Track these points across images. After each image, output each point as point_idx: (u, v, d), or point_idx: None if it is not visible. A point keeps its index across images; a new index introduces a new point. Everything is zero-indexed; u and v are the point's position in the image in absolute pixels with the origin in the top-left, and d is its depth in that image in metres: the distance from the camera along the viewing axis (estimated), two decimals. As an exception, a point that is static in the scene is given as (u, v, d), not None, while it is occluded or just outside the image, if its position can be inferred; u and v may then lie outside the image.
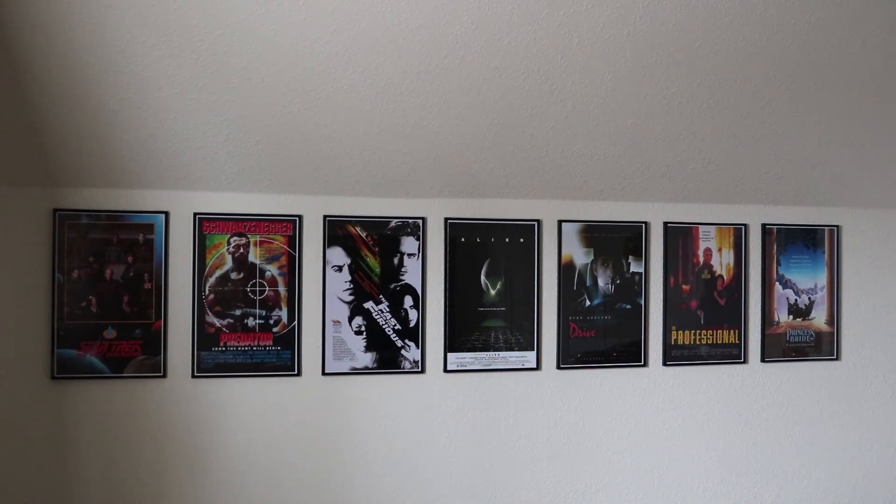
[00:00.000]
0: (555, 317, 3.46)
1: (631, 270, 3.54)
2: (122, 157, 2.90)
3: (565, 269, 3.46)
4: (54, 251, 3.04)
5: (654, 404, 3.60)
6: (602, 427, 3.54)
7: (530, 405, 3.45)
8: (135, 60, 2.51)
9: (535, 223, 3.44)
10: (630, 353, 3.54)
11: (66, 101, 2.59)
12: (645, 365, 3.58)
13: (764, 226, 3.70)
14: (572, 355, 3.46)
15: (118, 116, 2.70)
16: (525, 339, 3.41)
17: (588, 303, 3.47)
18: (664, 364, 3.60)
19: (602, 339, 3.50)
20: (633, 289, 3.54)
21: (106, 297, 3.08)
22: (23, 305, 3.01)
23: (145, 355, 3.11)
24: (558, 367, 3.46)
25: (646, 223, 3.57)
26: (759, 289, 3.70)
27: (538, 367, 3.44)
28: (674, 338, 3.58)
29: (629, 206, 3.55)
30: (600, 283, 3.49)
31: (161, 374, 3.13)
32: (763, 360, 3.70)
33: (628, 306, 3.54)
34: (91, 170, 2.94)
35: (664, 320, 3.58)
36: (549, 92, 2.76)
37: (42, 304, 3.05)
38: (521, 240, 3.39)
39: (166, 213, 3.13)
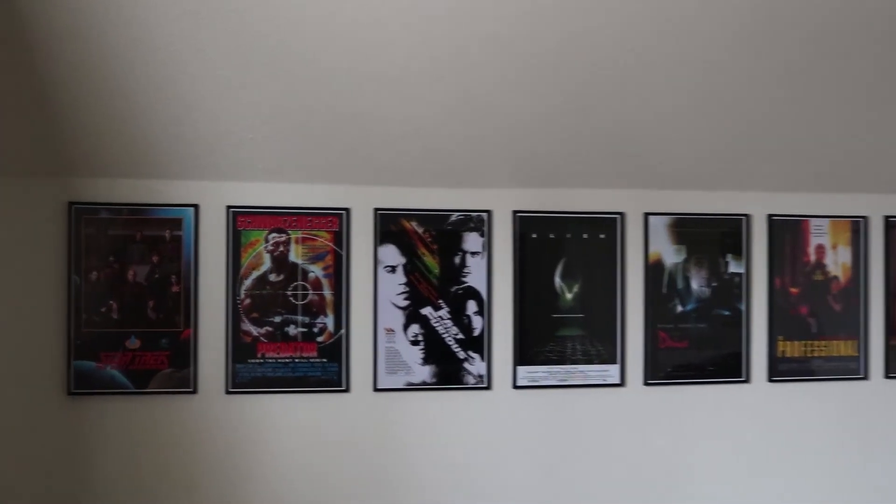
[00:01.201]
0: (641, 325, 3.26)
1: (729, 271, 3.32)
2: (145, 143, 2.76)
3: (653, 270, 3.27)
4: (70, 250, 2.90)
5: (758, 427, 3.37)
6: (696, 453, 3.32)
7: (613, 427, 3.25)
8: (158, 34, 2.35)
9: (618, 216, 3.25)
10: (729, 367, 3.32)
11: (81, 81, 2.47)
12: (746, 381, 3.35)
13: (887, 218, 3.46)
14: (661, 369, 3.26)
15: (140, 97, 2.56)
16: (606, 350, 3.22)
17: (679, 308, 3.27)
18: (769, 380, 3.37)
19: (696, 351, 3.28)
20: (731, 292, 3.31)
21: (128, 301, 2.93)
22: (35, 312, 2.89)
23: (173, 368, 2.96)
24: (645, 383, 3.27)
25: (747, 216, 3.35)
26: (882, 292, 3.45)
27: (622, 383, 3.25)
28: (780, 349, 3.37)
29: (727, 197, 3.32)
30: (694, 285, 3.28)
31: (191, 389, 2.97)
32: (887, 376, 3.44)
33: (726, 312, 3.31)
34: (111, 158, 2.82)
35: (769, 329, 3.36)
36: (636, 64, 2.55)
37: (56, 309, 2.91)
38: (602, 236, 3.22)
39: (196, 207, 2.98)
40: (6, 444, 2.89)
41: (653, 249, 3.27)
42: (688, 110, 2.79)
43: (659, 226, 3.27)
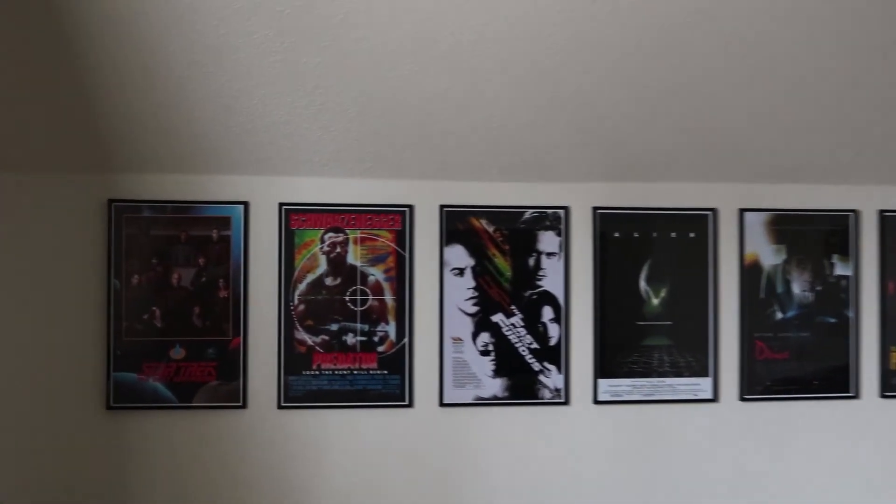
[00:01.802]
0: (736, 333, 3.12)
1: (835, 273, 3.17)
2: (190, 135, 2.69)
3: (749, 272, 3.12)
4: (110, 251, 2.84)
5: (868, 448, 3.20)
6: (798, 476, 3.16)
7: (705, 447, 3.11)
8: (205, 16, 2.27)
9: (710, 213, 3.10)
10: (835, 381, 3.16)
11: (122, 69, 2.40)
12: (856, 396, 3.18)
13: None
14: (759, 383, 3.11)
15: (186, 85, 2.48)
16: (697, 361, 3.09)
17: (779, 315, 3.13)
18: (881, 395, 3.19)
19: (798, 363, 3.13)
20: (838, 297, 3.16)
21: (172, 308, 2.86)
22: (72, 319, 2.83)
23: (220, 380, 2.88)
24: (741, 398, 3.11)
25: (855, 212, 3.19)
26: None
27: (715, 399, 3.10)
28: (894, 361, 3.19)
29: (832, 191, 3.18)
30: (795, 289, 3.14)
31: (240, 403, 2.89)
32: None
33: (832, 320, 3.16)
34: (153, 152, 2.75)
35: (881, 338, 3.19)
36: (729, 43, 2.42)
37: (95, 316, 2.84)
38: (692, 234, 3.09)
39: (245, 204, 2.90)
40: (41, 463, 2.83)
41: (749, 250, 3.13)
42: (789, 96, 2.67)
43: (756, 223, 3.13)
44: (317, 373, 2.93)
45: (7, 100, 2.50)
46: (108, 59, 2.38)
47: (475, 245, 3.01)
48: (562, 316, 3.04)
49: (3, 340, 2.82)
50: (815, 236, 3.16)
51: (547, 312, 3.03)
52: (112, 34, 2.29)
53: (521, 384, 3.02)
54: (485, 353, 3.01)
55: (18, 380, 2.82)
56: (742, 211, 3.13)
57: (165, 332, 2.87)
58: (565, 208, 3.05)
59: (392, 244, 2.98)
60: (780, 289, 3.13)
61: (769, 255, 3.14)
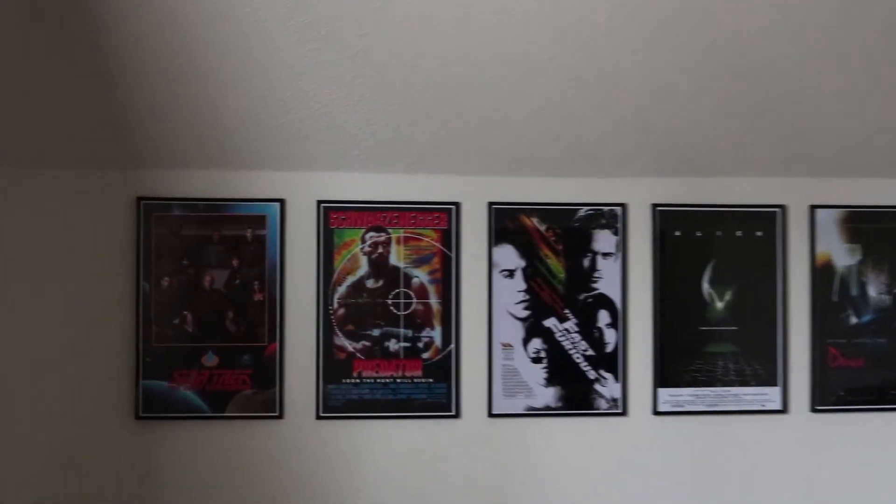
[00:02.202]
0: (807, 339, 3.05)
1: None
2: (223, 129, 2.67)
3: (821, 274, 3.05)
4: (139, 252, 2.82)
5: None
6: (874, 494, 3.08)
7: (773, 461, 3.04)
8: (238, 3, 2.26)
9: (778, 210, 3.04)
10: None
11: (150, 60, 2.39)
12: None
13: None
14: (833, 393, 3.04)
15: (218, 77, 2.47)
16: (765, 369, 3.02)
17: (854, 320, 3.05)
18: None
19: (874, 371, 3.06)
20: None
21: (204, 312, 2.84)
22: (99, 324, 2.81)
23: (255, 389, 2.84)
24: (813, 410, 3.04)
25: None
26: None
27: (784, 410, 3.03)
28: None
29: None
30: (871, 292, 3.06)
31: (276, 413, 2.85)
32: None
33: None
34: (184, 146, 2.73)
35: None
36: (800, 27, 2.37)
37: (123, 321, 2.82)
38: (759, 233, 3.02)
39: (282, 202, 2.87)
40: (66, 475, 2.81)
41: (821, 249, 3.06)
42: (861, 84, 2.60)
43: (828, 221, 3.07)
44: (357, 381, 2.90)
45: (31, 94, 2.50)
46: (136, 50, 2.37)
47: (526, 245, 2.96)
48: (619, 321, 2.99)
49: (26, 346, 2.80)
50: (893, 234, 3.10)
51: (603, 317, 2.99)
52: (140, 24, 2.28)
53: (575, 393, 2.97)
54: (536, 360, 2.96)
55: (42, 387, 2.80)
56: (813, 207, 3.06)
57: (197, 337, 2.84)
58: (622, 205, 3.00)
59: (437, 244, 2.94)
60: (854, 291, 3.07)
61: (843, 255, 3.07)
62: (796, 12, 2.34)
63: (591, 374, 2.97)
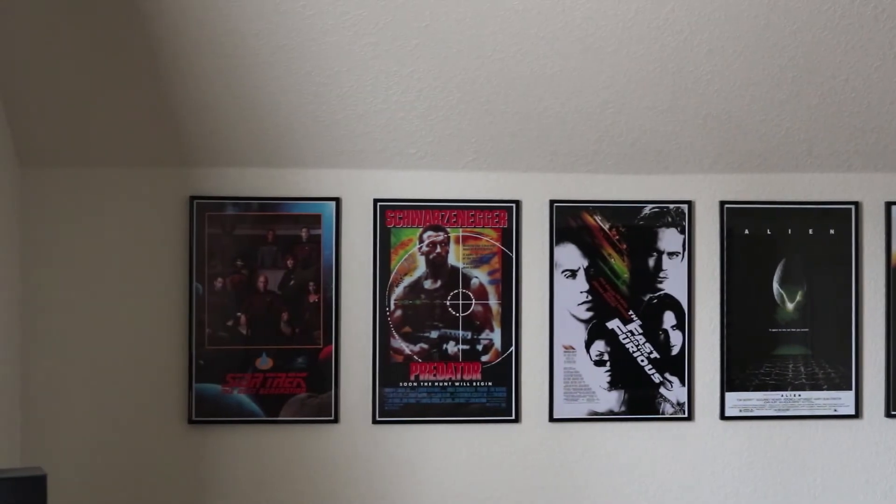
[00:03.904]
0: (882, 342, 3.02)
1: None
2: (277, 126, 2.71)
3: None
4: (191, 253, 2.82)
5: None
6: None
7: (846, 468, 3.01)
8: None
9: (853, 207, 3.01)
10: None
11: (203, 56, 2.45)
12: None
13: None
14: None
15: (272, 72, 2.52)
16: (838, 373, 3.00)
17: None
18: None
19: None
20: None
21: (258, 313, 2.85)
22: (150, 326, 2.83)
23: (310, 392, 2.85)
24: (888, 415, 3.01)
25: None
26: None
27: (858, 415, 3.01)
28: None
29: None
30: None
31: (331, 417, 2.86)
32: None
33: None
34: (237, 144, 2.76)
35: None
36: (873, 17, 2.37)
37: (175, 323, 2.84)
38: (832, 231, 3.00)
39: (337, 200, 2.88)
40: (118, 480, 2.83)
41: None
42: None
43: None
44: (415, 384, 2.92)
45: (84, 94, 2.54)
46: (189, 46, 2.43)
47: (589, 244, 2.97)
48: (685, 322, 2.99)
49: (78, 348, 2.82)
50: None
51: (668, 318, 2.99)
52: (192, 20, 2.34)
53: (639, 397, 2.98)
54: (599, 363, 2.97)
55: (95, 391, 2.82)
56: (889, 204, 3.04)
57: (251, 340, 2.86)
58: (689, 203, 2.99)
59: (497, 243, 2.94)
60: None
61: None
62: (869, 3, 2.36)
63: (656, 378, 2.98)
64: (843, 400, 3.01)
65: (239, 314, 2.84)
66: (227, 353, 2.84)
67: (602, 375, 2.95)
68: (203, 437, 2.85)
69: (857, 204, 3.02)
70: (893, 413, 3.01)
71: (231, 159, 2.82)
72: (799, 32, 2.43)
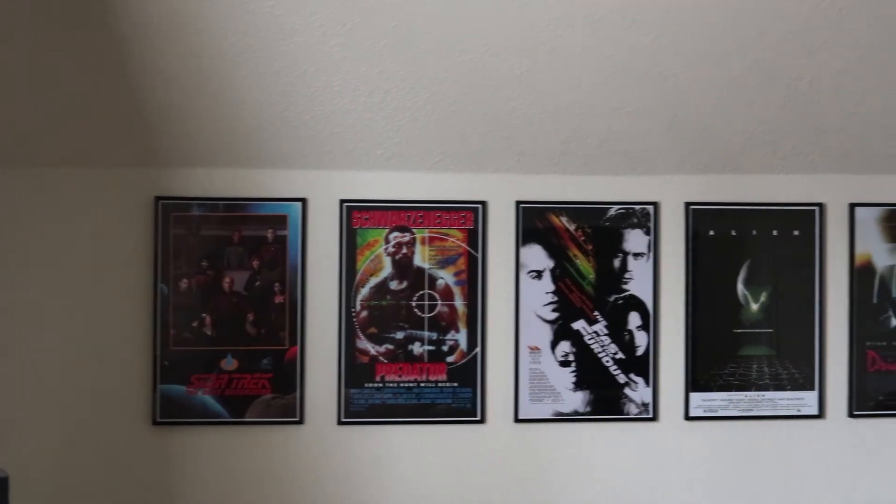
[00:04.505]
0: (845, 342, 3.03)
1: None
2: (244, 126, 2.68)
3: (860, 274, 3.03)
4: (156, 253, 2.81)
5: None
6: None
7: (809, 468, 3.02)
8: None
9: (816, 208, 3.01)
10: None
11: (169, 55, 2.42)
12: None
13: None
14: (871, 398, 3.02)
15: (239, 72, 2.49)
16: (802, 373, 3.00)
17: (894, 322, 3.04)
18: None
19: None
20: None
21: (224, 314, 2.83)
22: (115, 327, 2.81)
23: (275, 393, 2.84)
24: (850, 415, 3.02)
25: None
26: None
27: (821, 415, 3.02)
28: None
29: None
30: None
31: (297, 418, 2.85)
32: None
33: None
34: (204, 144, 2.74)
35: None
36: (839, 20, 2.37)
37: (140, 324, 2.82)
38: (796, 232, 3.00)
39: (303, 201, 2.87)
40: (82, 481, 2.81)
41: (860, 249, 3.04)
42: None
43: (868, 219, 3.04)
44: (380, 385, 2.90)
45: (49, 93, 2.51)
46: (156, 46, 2.39)
47: (554, 245, 2.95)
48: (650, 323, 2.99)
49: (41, 349, 2.79)
50: None
51: (633, 319, 2.98)
52: (159, 19, 2.30)
53: (604, 398, 2.97)
54: (565, 363, 2.95)
55: (57, 391, 2.80)
56: (853, 206, 3.04)
57: (216, 340, 2.84)
58: (654, 204, 2.99)
59: (463, 244, 2.93)
60: (895, 293, 3.05)
61: (883, 255, 3.05)
62: (835, 5, 2.34)
63: (621, 378, 2.97)
64: (807, 400, 3.01)
65: (204, 315, 2.82)
66: (192, 354, 2.82)
67: (567, 376, 2.94)
68: (168, 439, 2.82)
69: (821, 205, 3.02)
70: (856, 413, 3.02)
71: (197, 160, 2.80)
72: (764, 35, 2.43)
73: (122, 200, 2.82)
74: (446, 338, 2.92)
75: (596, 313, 2.96)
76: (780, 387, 3.00)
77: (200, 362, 2.82)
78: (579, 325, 2.96)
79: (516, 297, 2.94)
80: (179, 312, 2.82)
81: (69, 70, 2.44)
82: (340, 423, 2.87)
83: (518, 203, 2.93)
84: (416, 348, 2.91)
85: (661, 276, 2.99)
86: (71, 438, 2.80)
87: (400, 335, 2.90)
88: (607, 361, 2.96)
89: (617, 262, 2.97)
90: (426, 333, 2.91)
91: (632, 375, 2.97)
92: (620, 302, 2.97)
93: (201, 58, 2.41)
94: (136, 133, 2.68)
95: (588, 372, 2.95)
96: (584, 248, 2.95)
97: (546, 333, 2.95)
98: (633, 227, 2.97)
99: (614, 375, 2.96)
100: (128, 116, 2.61)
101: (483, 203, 2.93)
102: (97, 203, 2.80)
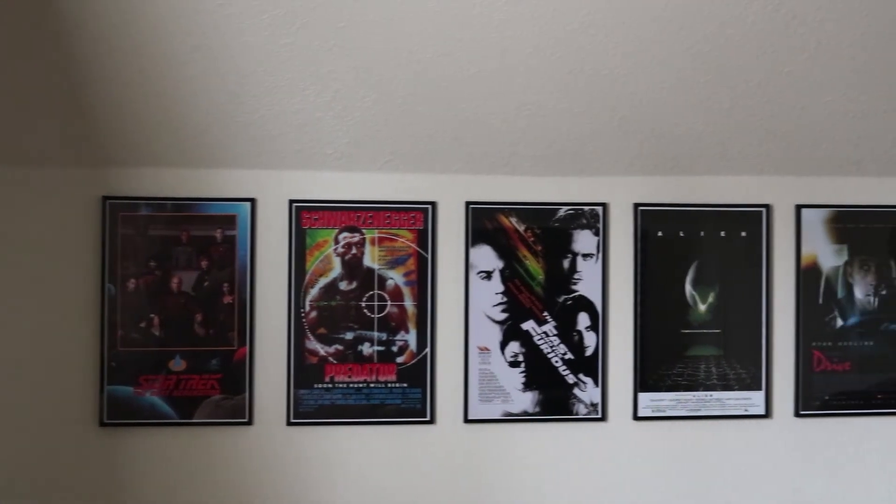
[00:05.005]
0: (791, 343, 3.01)
1: None
2: (193, 126, 2.66)
3: (806, 275, 3.02)
4: (104, 253, 2.77)
5: None
6: (860, 500, 3.05)
7: (756, 467, 3.01)
8: None
9: (763, 210, 3.00)
10: None
11: (117, 53, 2.39)
12: None
13: None
14: (817, 397, 3.01)
15: (187, 71, 2.47)
16: (749, 373, 2.98)
17: (840, 322, 3.02)
18: None
19: (860, 375, 3.02)
20: None
21: (172, 315, 2.80)
22: (62, 327, 2.77)
23: (224, 394, 2.81)
24: (797, 415, 3.01)
25: None
26: None
27: (768, 415, 3.00)
28: None
29: None
30: (858, 294, 3.04)
31: (245, 419, 2.82)
32: None
33: None
34: (152, 144, 2.71)
35: None
36: (785, 23, 2.39)
37: (87, 325, 2.77)
38: (743, 233, 2.99)
39: (252, 201, 2.83)
40: (28, 484, 2.77)
41: (807, 250, 3.03)
42: (850, 78, 2.60)
43: (814, 221, 3.03)
44: (330, 386, 2.86)
45: None
46: (103, 44, 2.36)
47: (504, 246, 2.93)
48: (599, 324, 2.96)
49: None
50: (881, 235, 3.06)
51: (583, 320, 2.95)
52: (106, 17, 2.28)
53: (553, 398, 2.94)
54: (514, 364, 2.92)
55: (3, 393, 2.76)
56: (799, 207, 3.03)
57: (164, 341, 2.80)
58: (603, 205, 2.96)
59: (413, 245, 2.90)
60: (840, 293, 3.04)
61: (829, 256, 3.04)
62: (783, 8, 2.35)
63: (570, 379, 2.95)
64: (754, 400, 3.00)
65: (152, 315, 2.79)
66: (140, 355, 2.78)
67: (517, 376, 2.92)
68: (115, 440, 2.79)
69: (768, 207, 3.02)
70: (802, 413, 3.02)
71: (145, 159, 2.77)
72: (712, 37, 2.42)
73: (70, 200, 2.77)
74: (396, 338, 2.89)
75: (545, 314, 2.93)
76: (727, 387, 2.98)
77: (148, 363, 2.78)
78: (529, 325, 2.93)
79: (466, 297, 2.91)
80: (127, 313, 2.78)
81: (14, 68, 2.40)
82: (290, 423, 2.84)
83: (468, 204, 2.91)
84: (366, 349, 2.87)
85: (609, 277, 2.97)
86: (17, 439, 2.76)
87: (349, 336, 2.87)
88: (556, 362, 2.94)
89: (566, 263, 2.95)
90: (376, 334, 2.88)
91: (581, 376, 2.94)
92: (570, 302, 2.95)
93: (150, 57, 2.39)
94: (84, 132, 2.64)
95: (537, 372, 2.93)
96: (533, 248, 2.93)
97: (496, 334, 2.92)
98: (583, 227, 2.95)
99: (563, 376, 2.94)
100: (75, 116, 2.57)
101: (433, 203, 2.90)
102: (44, 203, 2.76)
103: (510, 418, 2.92)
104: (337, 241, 2.87)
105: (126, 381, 2.78)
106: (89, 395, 2.78)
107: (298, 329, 2.85)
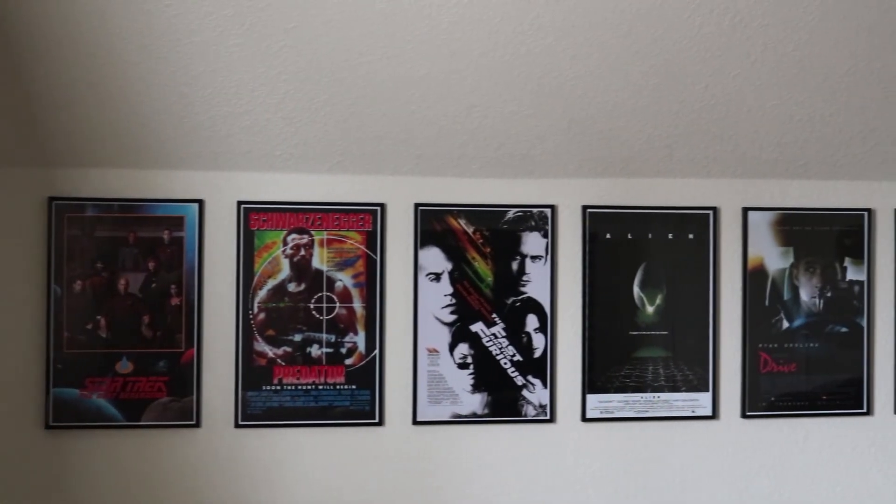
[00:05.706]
0: (738, 344, 3.04)
1: (848, 278, 3.09)
2: (140, 126, 2.64)
3: (753, 277, 3.04)
4: (50, 254, 2.76)
5: (883, 468, 3.11)
6: (806, 499, 3.08)
7: (704, 468, 3.03)
8: None
9: (710, 212, 3.02)
10: (847, 397, 3.09)
11: (63, 53, 2.37)
12: (868, 413, 3.10)
13: None
14: (764, 398, 3.03)
15: (135, 72, 2.45)
16: (696, 375, 3.00)
17: (786, 324, 3.05)
18: None
19: (806, 376, 3.05)
20: (851, 304, 3.08)
21: (119, 316, 2.79)
22: (7, 329, 2.76)
23: (172, 396, 2.81)
24: (743, 416, 3.04)
25: (869, 211, 3.09)
26: None
27: (715, 416, 3.03)
28: None
29: (846, 188, 3.10)
30: (803, 296, 3.06)
31: (193, 422, 2.82)
32: None
33: (844, 329, 3.08)
34: (99, 144, 2.69)
35: None
36: (731, 27, 2.41)
37: (33, 326, 2.77)
38: (690, 236, 3.01)
39: (200, 202, 2.83)
40: None
41: (753, 252, 3.05)
42: (795, 83, 2.61)
43: (761, 223, 3.05)
44: (278, 388, 2.85)
45: None
46: (50, 43, 2.33)
47: (453, 247, 2.93)
48: (547, 325, 2.97)
49: None
50: (826, 237, 3.09)
51: (531, 321, 2.96)
52: (53, 15, 2.25)
53: (502, 400, 2.94)
54: (463, 365, 2.93)
55: None
56: (746, 210, 3.06)
57: (111, 343, 2.79)
58: (552, 207, 2.98)
59: (362, 246, 2.90)
60: (786, 295, 3.06)
61: (775, 259, 3.07)
62: (729, 13, 2.36)
63: (519, 381, 2.95)
64: (701, 401, 3.01)
65: (99, 317, 2.78)
66: (87, 357, 2.77)
67: (465, 378, 2.92)
68: (61, 443, 2.77)
69: (715, 209, 3.03)
70: (749, 414, 3.03)
71: (92, 160, 2.75)
72: (660, 40, 2.43)
73: (15, 201, 2.76)
74: (345, 340, 2.88)
75: (494, 315, 2.94)
76: (675, 388, 3.00)
77: (95, 365, 2.77)
78: (477, 327, 2.94)
79: (415, 299, 2.91)
80: (73, 314, 2.76)
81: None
82: (238, 426, 2.83)
83: (417, 205, 2.91)
84: (315, 350, 2.87)
85: (558, 279, 2.98)
86: (-40, 443, 2.73)
87: (298, 337, 2.86)
88: (505, 363, 2.94)
89: (515, 265, 2.95)
90: (324, 336, 2.88)
91: (529, 377, 2.94)
92: (518, 304, 2.95)
93: (97, 57, 2.37)
94: (29, 133, 2.62)
95: (486, 374, 2.93)
96: (482, 250, 2.94)
97: (444, 336, 2.93)
98: (531, 229, 2.96)
99: (512, 377, 2.94)
100: (20, 115, 2.55)
101: (382, 205, 2.90)
102: (-13, 203, 2.74)
103: (459, 420, 2.92)
104: (285, 243, 2.86)
105: (72, 384, 2.76)
106: (35, 397, 2.76)
107: (247, 331, 2.84)
